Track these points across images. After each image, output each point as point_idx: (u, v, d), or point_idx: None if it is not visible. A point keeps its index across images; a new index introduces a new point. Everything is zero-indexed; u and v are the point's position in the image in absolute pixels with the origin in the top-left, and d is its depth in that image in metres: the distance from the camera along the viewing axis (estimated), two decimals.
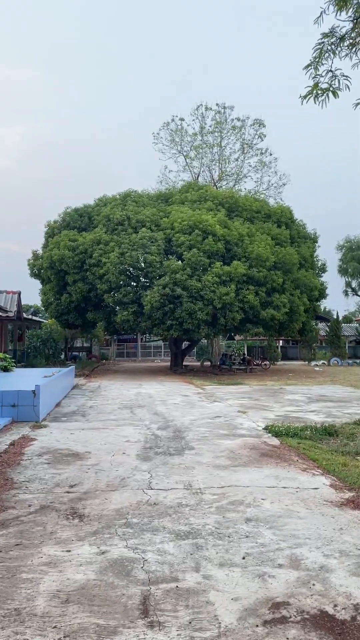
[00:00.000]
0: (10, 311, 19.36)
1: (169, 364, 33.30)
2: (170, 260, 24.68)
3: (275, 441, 9.19)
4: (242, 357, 33.76)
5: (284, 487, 6.33)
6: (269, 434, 9.83)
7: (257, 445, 8.83)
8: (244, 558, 4.25)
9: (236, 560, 4.21)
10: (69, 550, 4.37)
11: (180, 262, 24.78)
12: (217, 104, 41.05)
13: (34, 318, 37.29)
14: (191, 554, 4.32)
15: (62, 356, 38.31)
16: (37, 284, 29.31)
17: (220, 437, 9.59)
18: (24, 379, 15.07)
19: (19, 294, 20.45)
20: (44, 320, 39.36)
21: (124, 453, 8.19)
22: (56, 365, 26.27)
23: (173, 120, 40.37)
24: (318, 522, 5.11)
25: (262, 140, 41.35)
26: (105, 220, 26.43)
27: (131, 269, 25.36)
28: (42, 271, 27.54)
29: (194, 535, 4.74)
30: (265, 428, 10.38)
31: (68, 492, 6.04)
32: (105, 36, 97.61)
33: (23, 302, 50.96)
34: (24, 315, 36.22)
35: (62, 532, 4.78)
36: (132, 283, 25.97)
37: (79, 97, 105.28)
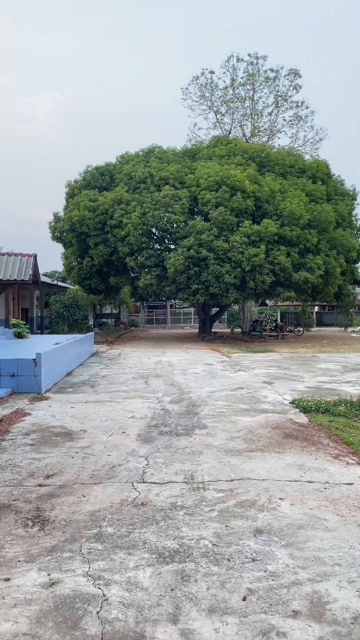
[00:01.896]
0: (25, 275, 18.36)
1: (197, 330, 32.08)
2: (195, 219, 23.08)
3: (303, 418, 7.88)
4: (274, 324, 32.18)
5: (309, 482, 5.05)
6: (296, 409, 8.52)
7: (281, 424, 7.55)
8: (244, 599, 3.02)
9: (233, 602, 3.00)
10: (8, 579, 3.24)
11: (206, 221, 23.18)
12: (249, 55, 38.36)
13: (60, 284, 36.47)
14: (172, 590, 3.12)
15: (91, 323, 37.61)
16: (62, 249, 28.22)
17: (239, 412, 8.34)
18: (35, 346, 14.10)
19: (35, 256, 19.39)
20: (71, 287, 38.53)
21: (123, 432, 7.05)
22: (80, 332, 25.41)
23: (203, 74, 37.96)
24: (352, 538, 3.83)
25: (298, 92, 38.64)
26: (127, 178, 24.92)
27: (154, 229, 23.92)
28: (63, 234, 26.43)
29: (183, 556, 3.54)
30: (293, 402, 9.07)
31: (40, 486, 4.92)
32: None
33: (51, 268, 50.19)
34: (50, 280, 35.48)
35: (10, 548, 3.66)
36: (155, 245, 24.58)
37: (109, 62, 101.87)
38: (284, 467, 5.55)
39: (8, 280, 18.65)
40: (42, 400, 9.42)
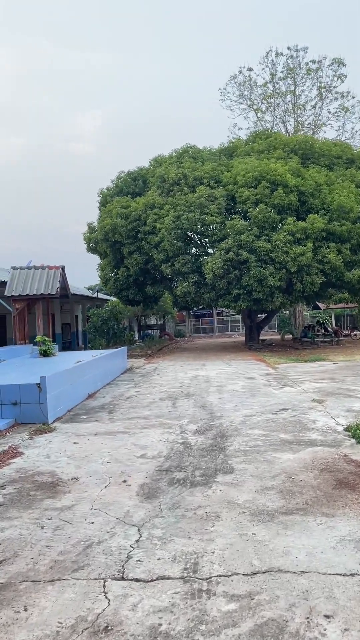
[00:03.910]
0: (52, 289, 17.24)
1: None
2: (233, 219, 21.37)
3: None
4: (325, 328, 29.77)
5: None
6: (353, 440, 6.67)
7: (332, 463, 5.74)
8: None
9: None
10: None
11: (245, 221, 21.42)
12: (288, 48, 36.33)
13: (101, 296, 35.56)
14: None
15: (136, 336, 36.47)
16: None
17: (279, 446, 6.58)
18: (58, 365, 12.83)
19: (62, 268, 18.26)
20: (113, 298, 37.62)
21: (124, 481, 5.47)
22: (118, 345, 24.17)
23: (240, 72, 36.35)
24: None
25: (343, 82, 36.20)
26: (160, 181, 23.54)
27: (189, 233, 22.38)
28: (97, 245, 25.35)
29: None
30: (348, 429, 7.21)
31: None
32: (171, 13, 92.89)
33: (91, 282, 49.57)
34: (90, 293, 34.64)
35: None
36: (191, 250, 23.02)
37: (151, 75, 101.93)
38: (335, 544, 3.79)
39: (35, 294, 17.59)
40: (45, 432, 8.00)
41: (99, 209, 25.91)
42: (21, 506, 4.84)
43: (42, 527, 4.32)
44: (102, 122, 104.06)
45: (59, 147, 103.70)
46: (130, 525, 4.30)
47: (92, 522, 4.39)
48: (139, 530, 4.20)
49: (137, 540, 3.99)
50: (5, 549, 3.92)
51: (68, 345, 29.67)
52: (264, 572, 3.43)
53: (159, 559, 3.67)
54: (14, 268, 19.14)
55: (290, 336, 31.81)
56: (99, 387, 12.68)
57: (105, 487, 5.32)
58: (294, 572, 3.42)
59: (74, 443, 7.27)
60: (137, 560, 3.66)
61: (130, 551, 3.81)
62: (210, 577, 3.39)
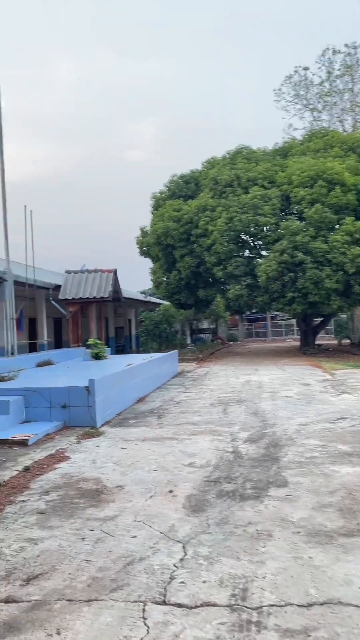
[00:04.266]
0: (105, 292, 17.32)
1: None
2: (288, 220, 20.76)
3: None
4: None
5: None
6: None
7: None
8: None
9: None
10: None
11: (300, 221, 20.77)
12: (345, 45, 35.25)
13: (153, 300, 35.63)
14: None
15: (188, 339, 36.30)
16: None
17: (338, 458, 6.12)
18: (109, 368, 12.76)
19: (115, 272, 18.34)
20: (166, 302, 37.65)
21: (170, 491, 5.19)
22: (170, 349, 24.04)
23: (296, 72, 35.58)
24: None
25: None
26: (212, 183, 23.24)
27: (242, 235, 21.93)
28: (149, 249, 25.34)
29: None
30: None
31: (6, 602, 3.21)
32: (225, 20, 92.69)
33: (143, 286, 49.88)
34: (143, 297, 34.80)
35: None
36: (244, 252, 22.56)
37: (204, 81, 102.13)
38: None
39: (88, 298, 17.72)
40: (92, 437, 7.86)
41: (152, 213, 25.92)
42: (63, 515, 4.65)
43: (83, 539, 4.11)
44: (156, 129, 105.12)
45: (115, 155, 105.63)
46: (174, 541, 4.01)
47: (135, 536, 4.13)
48: (183, 547, 3.90)
49: (182, 559, 3.70)
50: (44, 562, 3.73)
51: (121, 348, 29.87)
52: (322, 604, 3.05)
53: (204, 582, 3.36)
54: (68, 272, 19.42)
55: (348, 341, 30.65)
56: (149, 391, 12.51)
57: (151, 497, 5.06)
58: (357, 606, 3.02)
59: (121, 448, 7.08)
60: (180, 582, 3.36)
61: (174, 571, 3.52)
62: (261, 607, 3.04)
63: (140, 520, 4.46)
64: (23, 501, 5.06)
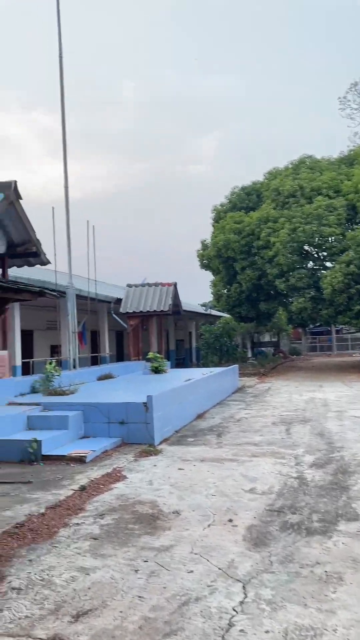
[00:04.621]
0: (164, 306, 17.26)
1: None
2: (355, 230, 19.95)
3: None
4: None
5: None
6: None
7: None
8: None
9: None
10: None
11: None
12: None
13: (213, 312, 35.34)
14: None
15: (249, 353, 35.70)
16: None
17: None
18: (169, 382, 12.60)
19: (175, 285, 18.26)
20: (226, 315, 37.29)
21: (230, 520, 4.87)
22: (231, 363, 23.64)
23: None
24: None
25: None
26: (274, 194, 22.79)
27: (305, 246, 21.29)
28: (210, 261, 25.15)
29: None
30: None
31: None
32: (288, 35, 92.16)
33: (204, 299, 49.92)
34: (203, 310, 34.60)
35: None
36: (308, 264, 21.88)
37: (268, 93, 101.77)
38: None
39: (148, 311, 17.73)
40: (150, 455, 7.65)
41: (212, 226, 25.77)
42: (117, 542, 4.44)
43: (137, 571, 3.87)
44: (218, 143, 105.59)
45: (176, 169, 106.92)
46: (234, 579, 3.70)
47: (191, 571, 3.85)
48: (244, 587, 3.57)
49: (242, 602, 3.37)
50: (94, 596, 3.52)
51: (182, 361, 29.77)
52: None
53: (266, 632, 3.02)
54: (129, 285, 19.55)
55: None
56: (208, 407, 12.21)
57: (209, 525, 4.77)
58: None
59: (179, 469, 6.82)
60: (240, 631, 3.04)
61: (233, 616, 3.20)
62: None
63: (198, 553, 4.17)
64: (77, 524, 4.91)
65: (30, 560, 4.10)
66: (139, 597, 3.49)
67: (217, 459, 7.33)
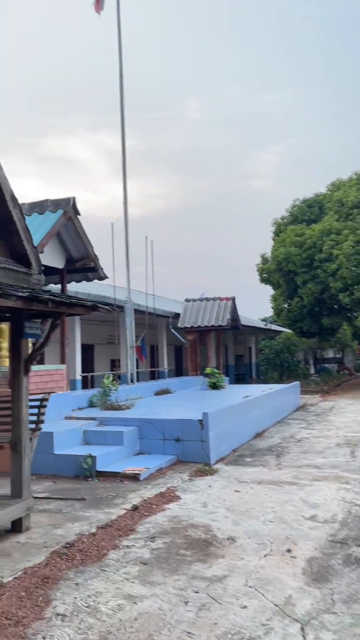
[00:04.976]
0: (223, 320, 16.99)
1: None
2: None
3: None
4: None
5: None
6: None
7: None
8: None
9: None
10: None
11: None
12: None
13: (273, 327, 34.62)
14: None
15: (311, 369, 34.66)
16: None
17: None
18: (226, 399, 12.32)
19: (233, 299, 17.98)
20: (287, 330, 36.45)
21: (288, 550, 4.54)
22: (292, 379, 22.96)
23: None
24: None
25: None
26: (338, 205, 22.12)
27: None
28: (270, 275, 24.69)
29: None
30: None
31: None
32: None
33: (264, 314, 49.14)
34: (263, 325, 33.97)
35: None
36: None
37: (326, 107, 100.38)
38: None
39: (206, 325, 17.54)
40: (205, 475, 7.40)
41: (273, 239, 25.33)
42: (167, 568, 4.23)
43: (186, 603, 3.64)
44: (280, 157, 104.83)
45: (237, 185, 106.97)
46: (291, 619, 3.38)
47: (245, 606, 3.57)
48: (302, 629, 3.26)
49: None
50: (140, 628, 3.32)
51: (241, 377, 29.27)
52: None
53: None
54: (187, 300, 19.46)
55: None
56: (267, 426, 11.79)
57: (265, 555, 4.46)
58: None
59: (235, 491, 6.53)
60: None
61: None
62: None
63: (252, 586, 3.88)
64: (127, 546, 4.74)
65: (77, 584, 3.97)
66: (188, 632, 3.26)
67: (276, 481, 6.97)
